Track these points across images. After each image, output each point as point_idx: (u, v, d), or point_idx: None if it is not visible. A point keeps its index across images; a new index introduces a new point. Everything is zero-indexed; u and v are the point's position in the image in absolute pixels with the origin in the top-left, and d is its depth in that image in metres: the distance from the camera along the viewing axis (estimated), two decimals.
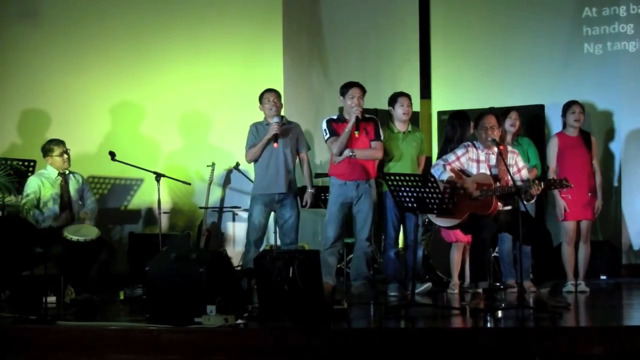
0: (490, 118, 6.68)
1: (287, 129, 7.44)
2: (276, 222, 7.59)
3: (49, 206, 7.23)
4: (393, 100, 7.42)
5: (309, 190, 7.53)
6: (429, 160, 7.92)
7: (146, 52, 8.75)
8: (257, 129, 7.50)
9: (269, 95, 7.47)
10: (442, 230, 7.44)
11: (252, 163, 7.52)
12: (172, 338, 5.65)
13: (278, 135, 7.27)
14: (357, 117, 7.03)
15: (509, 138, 7.48)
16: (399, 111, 7.37)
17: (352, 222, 7.33)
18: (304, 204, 7.56)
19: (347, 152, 7.10)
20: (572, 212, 7.44)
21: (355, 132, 7.06)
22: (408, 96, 7.43)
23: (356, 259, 7.27)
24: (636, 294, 7.92)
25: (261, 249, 7.46)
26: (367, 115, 7.30)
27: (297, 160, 7.57)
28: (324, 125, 7.24)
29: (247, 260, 7.32)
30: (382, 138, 7.22)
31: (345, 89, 7.23)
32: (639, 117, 8.75)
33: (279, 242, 7.79)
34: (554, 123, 8.77)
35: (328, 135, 7.19)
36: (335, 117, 7.31)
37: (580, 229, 7.50)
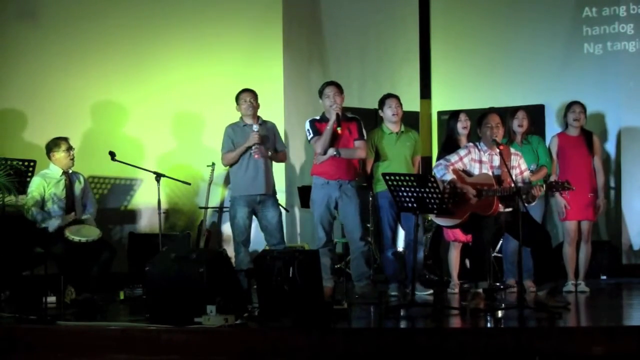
0: (494, 117, 6.65)
1: (265, 130, 7.41)
2: (260, 223, 7.50)
3: (49, 206, 7.22)
4: (381, 102, 7.45)
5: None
6: (426, 160, 7.93)
7: (145, 52, 8.75)
8: (233, 130, 7.43)
9: (245, 96, 7.42)
10: (443, 228, 7.45)
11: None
12: (172, 338, 5.66)
13: (259, 144, 7.24)
14: (337, 114, 7.03)
15: (518, 138, 7.46)
16: (388, 112, 7.38)
17: (340, 223, 7.32)
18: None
19: (331, 151, 7.09)
20: (572, 212, 7.44)
21: (338, 128, 7.04)
22: (396, 97, 7.43)
23: (355, 260, 7.25)
24: (636, 294, 7.93)
25: (250, 249, 7.44)
26: (349, 115, 7.30)
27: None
28: (307, 126, 7.21)
29: (239, 262, 7.30)
30: (365, 137, 7.22)
31: (321, 89, 7.23)
32: (638, 117, 8.75)
33: None
34: (554, 123, 8.78)
35: (312, 135, 7.17)
36: (318, 117, 7.29)
37: (581, 229, 7.50)
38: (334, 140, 7.08)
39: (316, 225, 7.18)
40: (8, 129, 8.52)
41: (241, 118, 7.47)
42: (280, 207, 7.56)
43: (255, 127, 7.27)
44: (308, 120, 7.24)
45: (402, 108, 7.45)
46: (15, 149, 8.28)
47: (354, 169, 7.23)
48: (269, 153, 7.36)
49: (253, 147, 7.23)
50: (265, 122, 7.50)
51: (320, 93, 7.21)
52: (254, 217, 7.42)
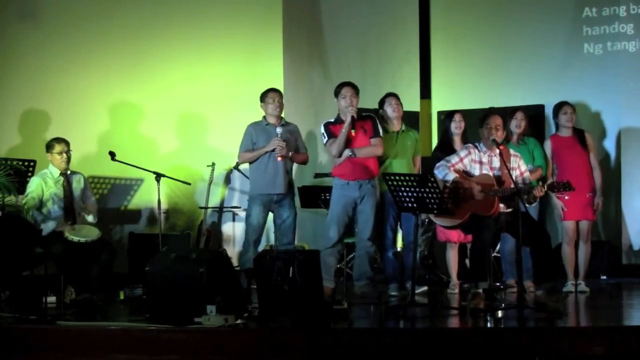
0: (495, 118, 6.64)
1: (288, 132, 7.42)
2: (274, 222, 7.57)
3: (48, 206, 7.22)
4: (382, 102, 7.48)
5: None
6: (426, 161, 7.92)
7: (146, 52, 8.75)
8: (254, 129, 7.46)
9: (274, 95, 7.45)
10: (437, 228, 7.46)
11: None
12: (172, 338, 5.66)
13: (281, 147, 7.25)
14: (352, 117, 7.03)
15: (514, 138, 7.47)
16: (389, 110, 7.42)
17: (353, 222, 7.32)
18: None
19: (346, 153, 7.09)
20: (571, 212, 7.43)
21: (352, 131, 7.05)
22: (396, 95, 7.47)
23: (358, 258, 7.26)
24: (636, 294, 7.92)
25: (259, 249, 7.46)
26: (364, 114, 7.30)
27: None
28: (322, 129, 7.23)
29: (245, 260, 7.31)
30: (381, 134, 7.22)
31: (337, 89, 7.23)
32: (638, 117, 8.75)
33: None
34: (554, 123, 8.78)
35: (326, 139, 7.19)
36: (332, 120, 7.29)
37: (580, 229, 7.50)
38: (349, 141, 7.09)
39: (329, 224, 7.17)
40: (8, 129, 8.52)
41: (264, 117, 7.48)
42: None
43: (279, 130, 7.30)
44: (322, 124, 7.26)
45: (402, 107, 7.47)
46: (16, 149, 8.30)
47: (372, 168, 7.20)
48: (290, 154, 7.38)
49: (276, 149, 7.25)
50: (287, 123, 7.51)
51: (337, 93, 7.20)
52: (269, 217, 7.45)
